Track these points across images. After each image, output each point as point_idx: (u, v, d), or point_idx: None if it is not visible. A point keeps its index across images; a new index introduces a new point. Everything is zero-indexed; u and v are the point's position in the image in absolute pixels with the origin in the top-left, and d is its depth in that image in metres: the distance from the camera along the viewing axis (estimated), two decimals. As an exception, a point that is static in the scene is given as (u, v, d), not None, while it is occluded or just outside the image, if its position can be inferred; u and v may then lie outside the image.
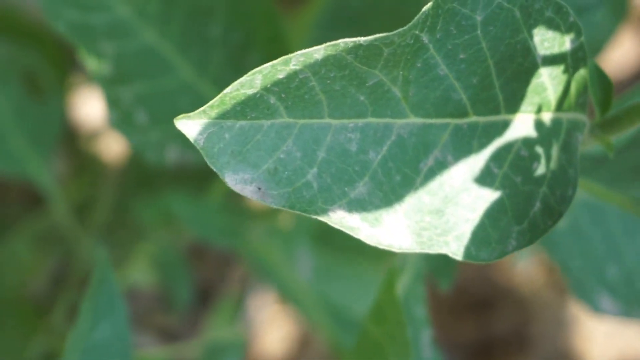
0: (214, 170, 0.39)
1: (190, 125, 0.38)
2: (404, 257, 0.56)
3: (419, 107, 0.41)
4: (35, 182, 0.80)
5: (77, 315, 0.92)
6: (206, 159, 0.38)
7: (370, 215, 0.41)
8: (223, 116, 0.38)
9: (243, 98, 0.38)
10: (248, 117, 0.39)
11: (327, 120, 0.40)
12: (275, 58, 0.66)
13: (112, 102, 0.61)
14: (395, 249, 0.41)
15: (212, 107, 0.38)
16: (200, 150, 0.38)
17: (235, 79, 0.64)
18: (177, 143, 0.63)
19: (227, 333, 0.68)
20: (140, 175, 0.92)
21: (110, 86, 0.61)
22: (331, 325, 0.71)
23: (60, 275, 0.90)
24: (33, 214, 0.89)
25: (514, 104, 0.43)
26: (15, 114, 0.80)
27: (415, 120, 0.41)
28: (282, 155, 0.39)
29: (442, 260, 0.66)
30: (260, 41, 0.64)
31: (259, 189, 0.39)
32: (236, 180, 0.39)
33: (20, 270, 0.83)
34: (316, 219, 0.41)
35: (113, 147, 1.14)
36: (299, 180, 0.40)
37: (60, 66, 0.88)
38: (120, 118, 0.61)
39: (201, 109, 0.38)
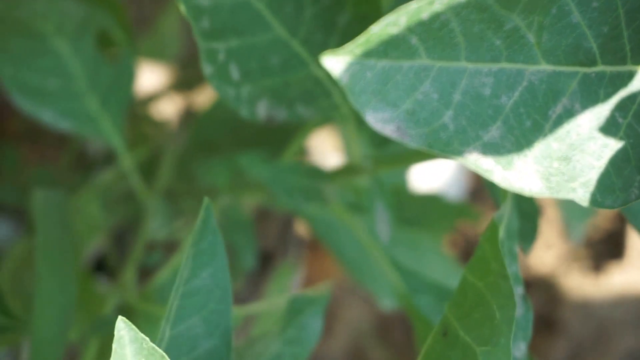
0: (355, 108, 0.39)
1: (335, 63, 0.39)
2: (499, 214, 0.57)
3: (551, 54, 0.42)
4: (108, 142, 0.81)
5: (141, 273, 0.93)
6: (348, 97, 0.39)
7: (503, 159, 0.41)
8: (367, 55, 0.39)
9: (387, 37, 0.39)
10: (389, 57, 0.39)
11: (463, 63, 0.40)
12: (367, 18, 0.67)
13: (209, 56, 0.61)
14: (526, 193, 0.42)
15: (357, 45, 0.39)
16: (343, 88, 0.39)
17: (325, 40, 0.65)
18: (266, 99, 0.64)
19: (310, 291, 0.69)
20: (204, 139, 0.93)
21: (207, 40, 0.61)
22: (405, 290, 0.72)
23: (126, 234, 0.91)
24: (103, 174, 0.90)
25: (639, 55, 0.44)
26: (89, 73, 0.80)
27: (546, 67, 0.42)
28: (419, 97, 0.40)
29: (528, 221, 0.67)
30: (351, 1, 0.65)
31: (398, 128, 0.40)
32: (376, 119, 0.40)
33: (89, 229, 0.84)
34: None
35: (170, 110, 1.15)
36: (435, 122, 0.40)
37: (128, 30, 0.88)
38: (215, 72, 0.62)
39: (346, 46, 0.39)
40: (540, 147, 0.42)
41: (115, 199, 0.89)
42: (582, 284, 1.35)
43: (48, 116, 0.79)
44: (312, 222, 0.90)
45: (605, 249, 1.38)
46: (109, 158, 0.97)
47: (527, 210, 0.65)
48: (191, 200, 0.91)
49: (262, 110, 0.64)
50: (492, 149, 0.41)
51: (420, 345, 0.71)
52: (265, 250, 1.09)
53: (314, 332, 0.68)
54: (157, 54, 1.10)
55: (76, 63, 0.80)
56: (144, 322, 0.76)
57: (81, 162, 0.99)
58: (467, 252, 1.34)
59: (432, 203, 0.92)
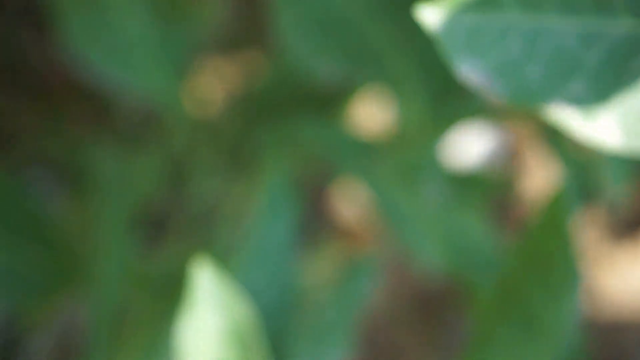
0: (448, 59, 0.41)
1: (429, 14, 0.40)
2: (562, 179, 0.58)
3: (634, 7, 0.43)
4: (164, 101, 0.82)
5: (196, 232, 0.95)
6: (441, 48, 0.40)
7: (586, 112, 0.42)
8: (459, 8, 0.40)
9: (478, -9, 0.40)
10: (480, 10, 0.41)
11: (550, 17, 0.42)
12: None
13: (278, 12, 0.63)
14: (607, 147, 0.43)
15: (451, -2, 0.40)
16: (436, 39, 0.40)
17: None
18: (329, 56, 0.65)
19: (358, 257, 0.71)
20: (258, 103, 0.94)
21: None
22: (454, 255, 0.73)
23: (181, 197, 0.93)
24: (159, 135, 0.92)
25: None
26: (146, 30, 0.81)
27: (630, 20, 0.43)
28: (507, 49, 0.41)
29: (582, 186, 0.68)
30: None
31: (486, 79, 0.41)
32: (465, 70, 0.41)
33: (145, 187, 0.85)
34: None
35: (227, 72, 1.16)
36: (521, 74, 0.41)
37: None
38: (282, 27, 0.63)
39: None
40: (623, 103, 0.43)
41: (170, 160, 0.91)
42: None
43: (103, 70, 0.80)
44: (362, 187, 0.91)
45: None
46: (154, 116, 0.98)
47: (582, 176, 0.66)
48: (249, 162, 0.92)
49: (323, 67, 0.66)
50: (576, 101, 0.42)
51: (469, 311, 0.73)
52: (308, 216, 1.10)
53: (362, 297, 0.69)
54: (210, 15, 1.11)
55: (134, 17, 0.81)
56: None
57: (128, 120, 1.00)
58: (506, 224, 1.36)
59: (474, 177, 0.93)
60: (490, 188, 0.95)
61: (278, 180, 0.57)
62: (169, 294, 0.76)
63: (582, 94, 0.42)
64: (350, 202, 1.24)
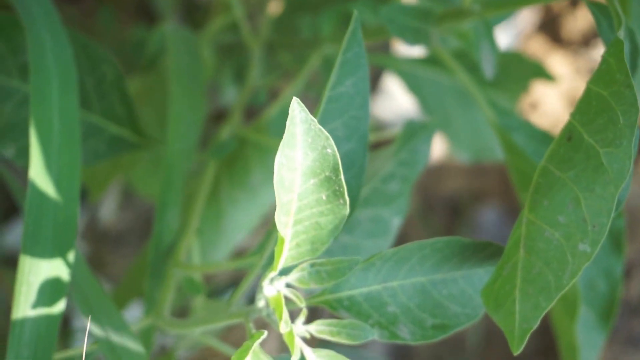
0: None
1: None
2: (621, 33, 0.62)
3: None
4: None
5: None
6: None
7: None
8: None
9: None
10: None
11: None
12: None
13: None
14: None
15: None
16: None
17: None
18: None
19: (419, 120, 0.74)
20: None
21: None
22: (501, 125, 0.77)
23: (237, 77, 0.96)
24: (215, 20, 0.95)
25: None
26: None
27: None
28: None
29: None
30: None
31: None
32: None
33: (205, 71, 0.89)
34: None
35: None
36: None
37: None
38: None
39: None
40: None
41: (223, 48, 0.94)
42: None
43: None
44: (402, 75, 0.95)
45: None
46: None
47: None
48: (288, 54, 0.96)
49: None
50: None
51: (516, 178, 0.77)
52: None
53: (423, 156, 0.74)
54: None
55: None
56: (253, 150, 0.82)
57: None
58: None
59: (511, 60, 0.97)
60: (526, 72, 0.98)
61: (352, 41, 0.61)
62: (233, 164, 0.81)
63: None
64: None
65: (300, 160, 0.55)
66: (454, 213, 1.51)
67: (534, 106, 1.48)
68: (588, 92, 0.60)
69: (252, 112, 1.06)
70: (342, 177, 0.55)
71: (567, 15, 1.55)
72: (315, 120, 0.54)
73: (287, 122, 0.53)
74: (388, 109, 1.36)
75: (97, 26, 1.16)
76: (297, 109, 0.53)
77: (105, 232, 1.31)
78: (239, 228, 0.80)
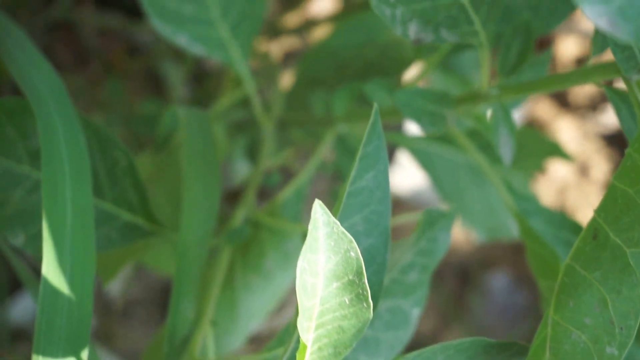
0: (574, 2, 0.44)
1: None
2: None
3: None
4: (235, 68, 0.85)
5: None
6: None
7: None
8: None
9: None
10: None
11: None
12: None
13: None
14: None
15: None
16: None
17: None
18: (416, 21, 0.68)
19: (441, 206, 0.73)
20: (311, 75, 0.97)
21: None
22: (519, 210, 0.76)
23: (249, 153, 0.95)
24: (224, 95, 0.95)
25: None
26: (223, 1, 0.84)
27: None
28: (629, -4, 0.44)
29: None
30: None
31: (610, 21, 0.44)
32: (592, 12, 0.44)
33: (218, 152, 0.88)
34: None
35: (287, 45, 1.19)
36: (641, 19, 0.44)
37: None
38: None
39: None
40: None
41: (234, 124, 0.94)
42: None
43: (183, 41, 0.83)
44: (414, 153, 0.94)
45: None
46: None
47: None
48: (300, 131, 0.95)
49: (413, 31, 0.68)
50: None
51: (534, 264, 0.76)
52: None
53: (443, 244, 0.72)
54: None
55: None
56: (268, 233, 0.81)
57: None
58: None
59: (527, 138, 0.96)
60: (542, 150, 0.97)
61: (372, 134, 0.60)
62: (247, 248, 0.80)
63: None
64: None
65: (322, 264, 0.53)
66: (463, 279, 1.50)
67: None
68: (613, 189, 0.59)
69: (265, 191, 1.05)
70: (366, 280, 0.54)
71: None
72: (338, 222, 0.53)
73: (310, 226, 0.52)
74: (403, 182, 1.35)
75: (104, 96, 1.16)
76: (319, 212, 0.52)
77: (113, 304, 1.29)
78: (254, 315, 0.78)
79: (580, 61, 1.56)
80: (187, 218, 0.71)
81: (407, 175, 1.35)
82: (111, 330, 1.27)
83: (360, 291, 0.54)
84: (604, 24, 0.44)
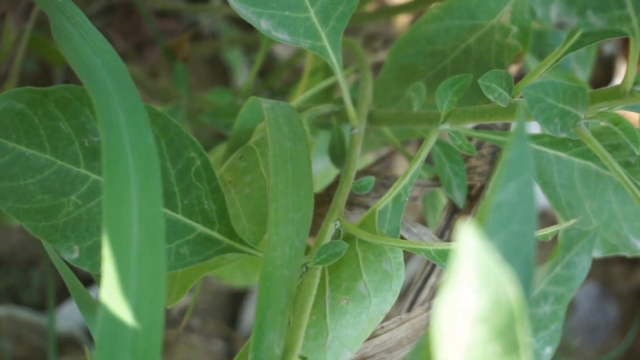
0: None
1: None
2: None
3: None
4: (325, 58, 0.73)
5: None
6: None
7: None
8: None
9: None
10: None
11: None
12: None
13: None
14: None
15: None
16: None
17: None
18: (559, 2, 0.56)
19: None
20: (402, 63, 0.85)
21: None
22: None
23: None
24: (308, 90, 0.83)
25: None
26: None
27: None
28: None
29: None
30: None
31: None
32: None
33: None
34: None
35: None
36: None
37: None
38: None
39: None
40: None
41: (318, 120, 0.82)
42: None
43: (266, 25, 0.71)
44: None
45: None
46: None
47: None
48: (387, 129, 0.83)
49: (555, 13, 0.57)
50: None
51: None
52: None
53: (582, 270, 0.60)
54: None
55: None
56: (362, 249, 0.69)
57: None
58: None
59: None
60: None
61: (519, 138, 0.47)
62: (337, 265, 0.67)
63: None
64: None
65: (473, 303, 0.41)
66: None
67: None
68: None
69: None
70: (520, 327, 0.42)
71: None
72: (495, 253, 0.40)
73: (460, 255, 0.40)
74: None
75: (165, 87, 1.04)
76: (471, 239, 0.40)
77: (174, 321, 1.18)
78: (347, 344, 0.66)
79: None
80: (274, 234, 0.59)
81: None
82: (169, 347, 1.16)
83: (513, 340, 0.42)
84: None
